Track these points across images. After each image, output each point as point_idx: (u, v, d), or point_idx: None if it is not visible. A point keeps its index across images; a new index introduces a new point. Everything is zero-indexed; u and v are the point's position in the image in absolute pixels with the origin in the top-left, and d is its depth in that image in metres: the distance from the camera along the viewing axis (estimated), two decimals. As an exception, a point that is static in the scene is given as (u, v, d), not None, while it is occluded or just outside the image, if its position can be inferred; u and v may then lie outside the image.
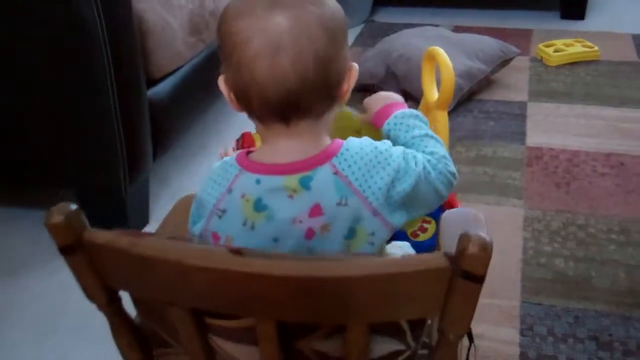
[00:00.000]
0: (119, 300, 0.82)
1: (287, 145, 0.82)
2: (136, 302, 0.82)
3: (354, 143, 0.84)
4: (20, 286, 1.73)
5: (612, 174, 2.10)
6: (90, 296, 0.79)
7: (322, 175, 0.80)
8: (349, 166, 0.80)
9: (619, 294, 1.62)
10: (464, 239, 0.64)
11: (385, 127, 0.98)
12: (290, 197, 0.80)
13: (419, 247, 1.13)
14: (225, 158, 0.87)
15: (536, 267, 1.71)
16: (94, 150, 1.75)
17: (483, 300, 1.63)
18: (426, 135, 0.95)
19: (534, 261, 1.73)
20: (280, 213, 0.80)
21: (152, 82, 1.86)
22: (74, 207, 0.73)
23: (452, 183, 0.92)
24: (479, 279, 0.66)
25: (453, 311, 0.69)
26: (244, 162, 0.84)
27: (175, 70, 1.96)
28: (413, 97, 2.50)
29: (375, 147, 0.83)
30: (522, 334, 1.51)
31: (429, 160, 0.88)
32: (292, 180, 0.80)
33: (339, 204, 0.79)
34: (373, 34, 3.34)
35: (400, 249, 1.20)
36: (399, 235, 1.43)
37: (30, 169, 1.86)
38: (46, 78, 1.67)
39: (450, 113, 2.46)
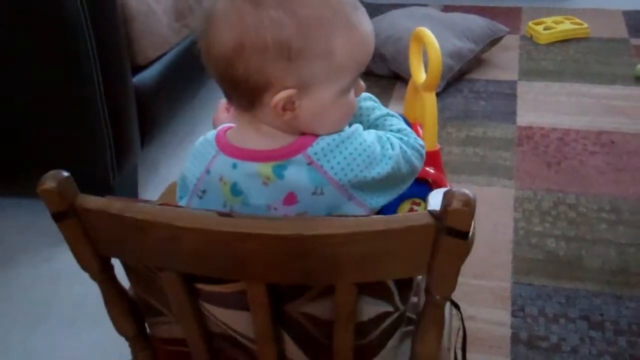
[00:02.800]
0: (111, 268, 0.82)
1: (255, 133, 0.81)
2: (128, 270, 0.83)
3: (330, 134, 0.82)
4: (11, 275, 1.72)
5: (603, 152, 2.10)
6: (83, 264, 0.80)
7: (296, 165, 0.79)
8: (325, 155, 0.79)
9: (610, 273, 1.62)
10: (448, 195, 0.65)
11: None
12: (265, 184, 0.79)
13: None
14: (207, 134, 0.87)
15: (527, 247, 1.71)
16: (80, 139, 1.73)
17: (474, 282, 1.64)
18: (388, 114, 0.95)
19: (525, 241, 1.73)
20: (254, 199, 0.80)
21: (138, 68, 1.84)
22: (65, 174, 0.74)
23: (423, 155, 0.92)
24: (464, 235, 0.66)
25: (439, 269, 0.70)
26: (222, 143, 0.83)
27: (160, 56, 1.94)
28: (402, 78, 2.49)
29: (350, 135, 0.82)
30: (513, 315, 1.51)
31: (401, 139, 0.89)
32: (266, 168, 0.79)
33: (314, 193, 0.79)
34: (362, 15, 3.31)
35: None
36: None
37: (17, 158, 1.84)
38: (30, 66, 1.65)
39: (440, 93, 2.46)
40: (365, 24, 0.79)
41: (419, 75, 1.70)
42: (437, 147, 1.68)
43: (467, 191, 0.66)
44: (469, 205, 0.65)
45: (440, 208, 0.66)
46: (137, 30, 1.81)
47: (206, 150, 0.84)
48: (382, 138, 0.85)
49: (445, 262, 0.69)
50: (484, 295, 1.56)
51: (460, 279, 0.74)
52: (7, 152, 1.83)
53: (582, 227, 1.77)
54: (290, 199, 0.79)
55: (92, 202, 0.74)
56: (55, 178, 0.74)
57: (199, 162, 0.85)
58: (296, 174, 0.78)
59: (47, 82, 1.66)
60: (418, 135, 1.65)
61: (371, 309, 0.76)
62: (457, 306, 1.06)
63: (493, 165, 2.06)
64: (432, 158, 1.68)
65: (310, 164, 0.79)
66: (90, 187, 1.89)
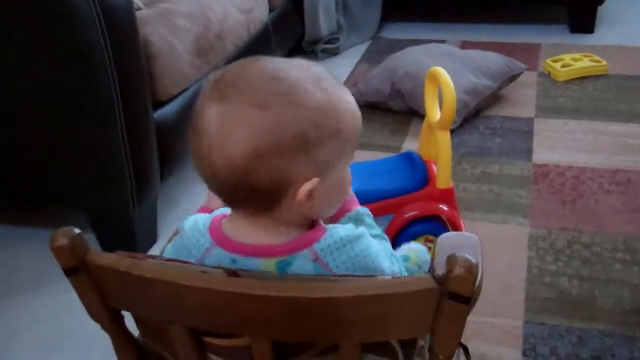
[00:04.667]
0: (121, 319, 0.85)
1: (258, 229, 0.80)
2: (138, 321, 0.85)
3: (338, 230, 0.81)
4: (27, 306, 1.75)
5: (619, 191, 2.10)
6: (94, 315, 0.83)
7: (301, 261, 0.78)
8: (331, 253, 0.79)
9: (624, 313, 1.62)
10: (451, 260, 0.67)
11: (344, 220, 0.98)
12: None
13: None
14: (198, 220, 0.85)
15: (540, 286, 1.71)
16: (102, 173, 1.78)
17: (485, 320, 1.65)
18: (376, 235, 0.95)
19: (538, 280, 1.73)
20: None
21: (159, 104, 1.89)
22: (77, 230, 0.78)
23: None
24: (466, 300, 0.68)
25: (441, 331, 0.71)
26: (218, 235, 0.82)
27: (181, 92, 1.98)
28: (418, 114, 2.51)
29: (358, 236, 0.81)
30: (524, 354, 1.51)
31: (407, 268, 0.94)
32: (269, 263, 0.79)
33: None
34: (380, 50, 3.36)
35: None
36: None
37: (39, 190, 1.89)
38: (53, 101, 1.70)
39: (456, 129, 2.48)
40: (348, 93, 0.82)
41: (434, 113, 1.73)
42: (451, 184, 1.70)
43: (469, 257, 0.68)
44: (471, 272, 0.67)
45: (443, 273, 0.67)
46: (159, 67, 1.85)
47: (197, 240, 0.83)
48: (393, 259, 0.87)
49: (448, 324, 0.71)
50: (495, 334, 1.56)
51: (471, 317, 0.76)
52: (28, 184, 1.87)
53: (596, 267, 1.78)
54: None
55: (102, 258, 0.77)
56: (66, 235, 0.77)
57: (189, 252, 0.83)
58: (300, 270, 0.79)
59: (70, 118, 1.71)
60: (432, 172, 1.68)
61: None
62: (465, 348, 1.07)
63: (508, 203, 2.07)
64: (445, 196, 1.70)
65: (315, 260, 0.79)
66: (110, 220, 1.94)
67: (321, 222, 0.84)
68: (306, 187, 0.76)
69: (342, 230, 0.81)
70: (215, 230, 0.82)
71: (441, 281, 0.68)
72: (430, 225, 1.72)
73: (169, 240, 1.17)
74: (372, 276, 0.79)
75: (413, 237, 1.71)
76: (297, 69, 0.77)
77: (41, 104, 1.71)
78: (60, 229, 0.78)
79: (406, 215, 1.68)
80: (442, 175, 1.68)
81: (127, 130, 1.71)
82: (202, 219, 0.85)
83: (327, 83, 0.78)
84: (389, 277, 0.74)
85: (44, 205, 2.07)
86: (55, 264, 0.79)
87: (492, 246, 1.85)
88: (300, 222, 0.81)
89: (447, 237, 1.15)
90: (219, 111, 0.74)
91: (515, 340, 1.55)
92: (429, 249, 1.77)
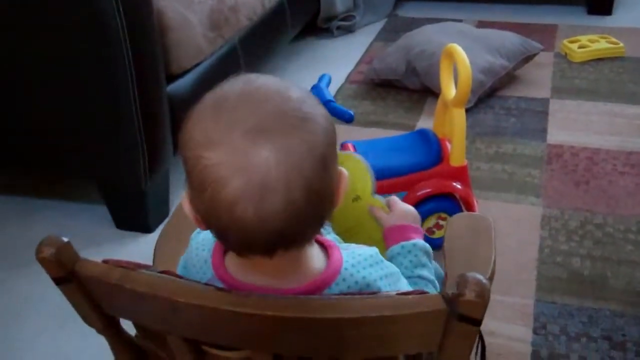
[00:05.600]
0: (117, 323, 0.82)
1: (263, 267, 0.73)
2: (135, 324, 0.82)
3: (354, 270, 0.76)
4: (40, 275, 1.75)
5: (633, 173, 2.09)
6: (88, 321, 0.80)
7: None
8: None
9: (635, 294, 1.61)
10: (461, 282, 0.64)
11: (395, 248, 0.96)
12: None
13: (434, 244, 1.13)
14: (205, 241, 0.81)
15: (552, 265, 1.71)
16: (115, 145, 1.78)
17: (496, 297, 1.64)
18: (432, 282, 0.94)
19: (550, 260, 1.73)
20: None
21: (172, 77, 1.88)
22: (64, 239, 0.74)
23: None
24: (477, 322, 0.65)
25: (449, 350, 0.68)
26: (221, 272, 0.76)
27: (195, 66, 1.98)
28: (433, 93, 2.50)
29: (379, 282, 0.76)
30: (535, 332, 1.51)
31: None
32: None
33: None
34: (396, 28, 3.34)
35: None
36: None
37: (52, 163, 1.90)
38: (67, 73, 1.70)
39: (471, 109, 2.47)
40: None
41: (449, 90, 1.72)
42: (465, 162, 1.69)
43: (481, 278, 0.64)
44: (483, 297, 0.63)
45: (453, 294, 0.64)
46: (172, 40, 1.85)
47: (201, 267, 0.79)
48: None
49: (456, 344, 0.68)
50: (506, 311, 1.56)
51: None
52: (43, 156, 1.88)
53: (608, 248, 1.77)
54: None
55: (92, 268, 0.74)
56: (53, 244, 0.73)
57: (195, 273, 0.80)
58: None
59: (82, 89, 1.71)
60: (446, 150, 1.68)
61: None
62: (481, 337, 1.05)
63: (521, 183, 2.07)
64: (459, 173, 1.70)
65: None
66: (122, 193, 1.95)
67: (329, 241, 0.79)
68: (344, 183, 0.72)
69: (361, 268, 0.76)
70: (218, 262, 0.76)
71: (450, 302, 0.64)
72: (443, 203, 1.72)
73: (168, 224, 1.14)
74: (376, 292, 0.75)
75: (426, 215, 1.71)
76: (274, 80, 0.70)
77: (55, 76, 1.72)
78: (46, 238, 0.74)
79: (419, 193, 1.68)
80: (456, 153, 1.67)
81: (141, 103, 1.71)
82: (209, 242, 0.79)
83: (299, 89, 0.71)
84: (394, 295, 0.69)
85: (59, 176, 2.08)
86: (69, 233, 0.76)
87: (505, 225, 1.85)
88: (312, 242, 0.76)
89: (460, 217, 1.14)
90: (278, 149, 0.63)
91: (526, 319, 1.54)
92: (442, 227, 1.78)
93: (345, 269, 0.76)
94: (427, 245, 0.96)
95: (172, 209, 1.99)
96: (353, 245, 0.81)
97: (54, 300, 1.68)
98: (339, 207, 0.84)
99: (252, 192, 0.63)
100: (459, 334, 0.66)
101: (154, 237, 1.88)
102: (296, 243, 0.70)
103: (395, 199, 1.08)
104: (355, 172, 1.26)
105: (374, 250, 0.80)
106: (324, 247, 0.78)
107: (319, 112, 0.68)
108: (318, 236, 0.78)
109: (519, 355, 1.45)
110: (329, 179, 0.68)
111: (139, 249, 1.85)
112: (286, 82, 0.70)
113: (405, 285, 0.82)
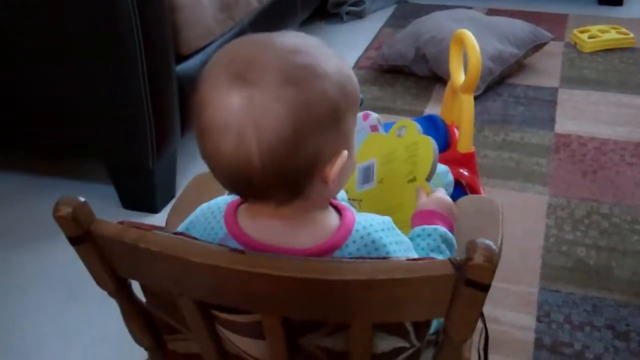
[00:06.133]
0: (128, 287, 0.83)
1: (274, 227, 0.75)
2: (145, 290, 0.83)
3: (365, 232, 0.77)
4: (48, 252, 1.77)
5: (640, 164, 2.08)
6: (101, 283, 0.81)
7: None
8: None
9: (639, 284, 1.61)
10: (471, 247, 0.64)
11: (417, 230, 0.96)
12: None
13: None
14: (212, 205, 0.82)
15: (557, 254, 1.71)
16: (122, 125, 1.78)
17: (501, 285, 1.65)
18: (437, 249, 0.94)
19: (555, 249, 1.73)
20: None
21: (181, 58, 1.88)
22: (81, 199, 0.75)
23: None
24: (484, 288, 0.65)
25: (457, 316, 0.69)
26: (233, 227, 0.77)
27: (204, 47, 1.97)
28: (442, 80, 2.49)
29: (389, 247, 0.77)
30: (538, 320, 1.51)
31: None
32: None
33: None
34: (405, 14, 3.33)
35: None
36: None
37: (60, 142, 1.90)
38: (76, 52, 1.70)
39: (480, 97, 2.46)
40: None
41: (458, 76, 1.71)
42: (472, 149, 1.69)
43: (490, 244, 0.64)
44: (491, 261, 0.64)
45: (462, 259, 0.64)
46: (182, 20, 1.84)
47: (212, 228, 0.80)
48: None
49: (464, 310, 0.68)
50: (510, 300, 1.56)
51: None
52: (51, 135, 1.88)
53: (614, 238, 1.77)
54: None
55: (107, 228, 0.74)
56: (70, 204, 0.74)
57: (204, 232, 0.81)
58: None
59: (92, 69, 1.71)
60: (454, 136, 1.67)
61: (387, 343, 0.75)
62: (481, 314, 1.04)
63: (528, 171, 2.06)
64: (466, 160, 1.69)
65: None
66: (130, 173, 1.95)
67: (347, 206, 0.80)
68: (340, 162, 0.72)
69: (372, 230, 0.77)
70: (231, 220, 0.78)
71: (459, 267, 0.65)
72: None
73: (185, 190, 1.16)
74: (386, 257, 0.75)
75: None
76: (303, 39, 0.73)
77: (63, 54, 1.71)
78: (63, 197, 0.75)
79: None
80: (464, 139, 1.67)
81: (150, 82, 1.71)
82: (216, 204, 0.81)
83: (330, 49, 0.74)
84: (404, 260, 0.70)
85: (66, 156, 2.08)
86: None
87: (511, 214, 1.84)
88: (325, 205, 0.78)
89: (467, 200, 1.14)
90: (245, 95, 0.67)
91: (529, 307, 1.55)
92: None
93: (357, 230, 0.77)
94: (449, 234, 0.95)
95: (179, 190, 1.99)
96: (367, 213, 0.81)
97: (58, 278, 1.69)
98: (392, 183, 0.83)
99: (213, 127, 0.69)
100: (467, 299, 0.66)
101: (160, 217, 1.88)
102: (264, 198, 0.73)
103: (440, 189, 1.08)
104: (421, 155, 1.26)
105: (387, 218, 0.81)
106: (338, 210, 0.79)
107: (317, 87, 0.69)
108: (332, 200, 0.79)
109: (522, 343, 1.45)
110: (299, 147, 0.68)
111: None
112: (309, 44, 0.72)
113: (414, 257, 0.82)
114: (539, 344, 1.45)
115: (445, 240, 0.94)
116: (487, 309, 1.52)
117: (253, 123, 0.67)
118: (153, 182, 1.89)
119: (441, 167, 1.27)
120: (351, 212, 0.79)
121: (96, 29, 1.65)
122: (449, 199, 1.04)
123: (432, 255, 0.91)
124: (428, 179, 1.28)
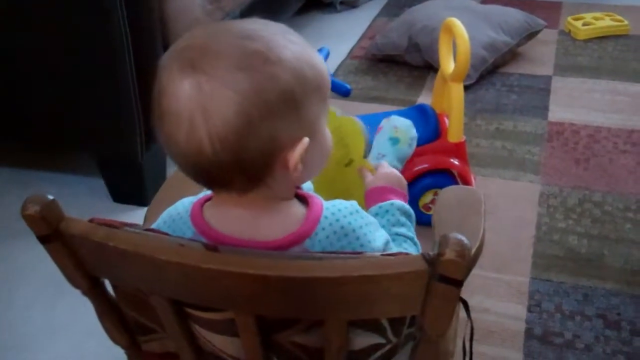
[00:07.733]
0: (101, 285, 0.81)
1: (241, 217, 0.75)
2: (116, 290, 0.81)
3: (334, 218, 0.76)
4: (36, 247, 1.75)
5: (634, 152, 2.07)
6: (73, 282, 0.80)
7: None
8: (323, 248, 0.75)
9: (631, 273, 1.60)
10: (442, 242, 0.62)
11: (373, 209, 0.95)
12: None
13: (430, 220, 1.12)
14: (178, 206, 0.81)
15: (548, 243, 1.70)
16: (110, 117, 1.77)
17: (491, 275, 1.64)
18: (411, 239, 0.93)
19: (547, 237, 1.72)
20: None
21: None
22: (50, 197, 0.73)
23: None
24: (457, 283, 0.64)
25: (432, 312, 0.67)
26: (201, 226, 0.76)
27: (193, 38, 1.95)
28: (435, 69, 2.48)
29: (358, 231, 0.76)
30: (529, 310, 1.50)
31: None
32: None
33: None
34: (400, 3, 3.31)
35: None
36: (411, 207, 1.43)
37: (49, 135, 1.89)
38: (65, 46, 1.69)
39: (472, 85, 2.45)
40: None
41: (448, 65, 1.70)
42: (463, 138, 1.68)
43: (462, 238, 0.63)
44: (463, 256, 0.62)
45: (434, 254, 0.63)
46: (170, 10, 1.83)
47: (179, 228, 0.78)
48: (391, 248, 0.83)
49: (438, 306, 0.66)
50: (500, 289, 1.55)
51: (478, 271, 0.72)
52: (43, 129, 1.87)
53: (606, 226, 1.76)
54: None
55: (76, 227, 0.73)
56: (38, 202, 0.72)
57: (178, 229, 0.79)
58: None
59: (79, 60, 1.70)
60: (444, 125, 1.66)
61: (363, 340, 0.74)
62: (465, 303, 1.04)
63: (520, 160, 2.05)
64: (457, 149, 1.68)
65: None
66: (119, 166, 1.93)
67: (312, 194, 0.80)
68: (300, 149, 0.70)
69: (341, 216, 0.76)
70: (198, 218, 0.77)
71: (432, 262, 0.63)
72: (440, 179, 1.70)
73: (161, 191, 1.14)
74: (360, 253, 0.74)
75: (422, 191, 1.70)
76: (263, 26, 0.72)
77: (54, 49, 1.70)
78: (31, 196, 0.73)
79: (416, 168, 1.67)
80: (454, 129, 1.66)
81: (137, 74, 1.69)
82: (182, 205, 0.80)
83: (294, 36, 0.73)
84: (378, 255, 0.69)
85: (56, 149, 2.07)
86: (65, 205, 0.75)
87: (503, 202, 1.84)
88: (289, 193, 0.77)
89: (450, 190, 1.13)
90: (194, 83, 0.67)
91: (520, 296, 1.54)
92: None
93: (325, 217, 0.76)
94: (406, 206, 0.95)
95: (169, 182, 1.99)
96: (333, 200, 0.80)
97: (48, 272, 1.68)
98: (329, 171, 0.83)
99: (170, 116, 0.68)
100: (440, 295, 0.65)
101: (149, 210, 1.88)
102: (224, 186, 0.72)
103: (383, 163, 1.07)
104: (350, 135, 1.25)
105: (353, 202, 0.80)
106: (305, 199, 0.79)
107: (267, 73, 0.67)
108: (298, 190, 0.79)
109: (512, 333, 1.44)
110: (251, 133, 0.67)
111: (136, 222, 1.84)
112: (266, 31, 0.71)
113: (383, 235, 0.81)
114: (529, 333, 1.44)
115: (403, 212, 0.93)
116: (477, 299, 1.53)
117: (202, 110, 0.67)
118: (143, 175, 1.88)
119: (404, 122, 1.26)
120: (318, 199, 0.78)
121: (83, 22, 1.64)
122: (394, 170, 1.04)
123: (395, 229, 0.91)
124: (365, 155, 1.27)
